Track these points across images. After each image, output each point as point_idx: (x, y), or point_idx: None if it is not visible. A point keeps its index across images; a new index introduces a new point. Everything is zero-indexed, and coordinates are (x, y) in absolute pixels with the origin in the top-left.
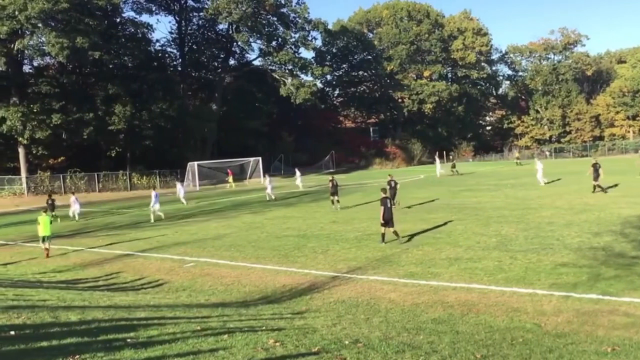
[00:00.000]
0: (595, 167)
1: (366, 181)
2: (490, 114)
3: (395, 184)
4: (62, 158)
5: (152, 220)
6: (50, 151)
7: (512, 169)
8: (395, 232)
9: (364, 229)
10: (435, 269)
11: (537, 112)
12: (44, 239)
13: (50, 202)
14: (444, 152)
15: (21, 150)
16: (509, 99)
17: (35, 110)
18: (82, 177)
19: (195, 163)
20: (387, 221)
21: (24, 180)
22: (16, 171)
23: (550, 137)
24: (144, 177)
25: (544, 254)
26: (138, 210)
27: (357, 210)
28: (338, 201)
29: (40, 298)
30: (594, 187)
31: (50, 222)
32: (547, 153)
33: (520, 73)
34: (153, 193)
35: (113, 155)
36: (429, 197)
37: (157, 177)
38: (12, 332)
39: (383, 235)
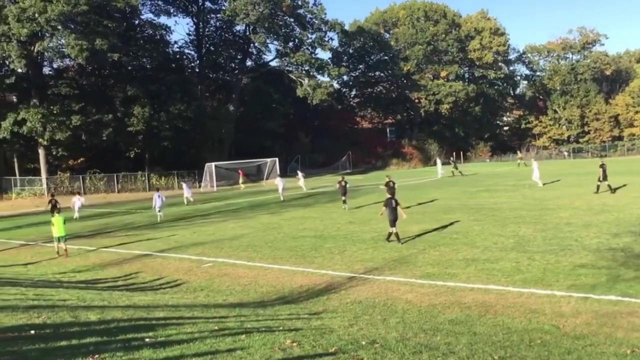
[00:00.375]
0: (603, 168)
1: (383, 182)
2: (508, 114)
3: (394, 184)
4: (81, 159)
5: (159, 220)
6: (70, 152)
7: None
8: (397, 234)
9: (380, 230)
10: (453, 270)
11: (555, 112)
12: (59, 240)
13: (53, 202)
14: (461, 153)
15: (41, 152)
16: (527, 99)
17: (55, 112)
18: (101, 178)
19: (213, 164)
20: (394, 220)
21: (44, 181)
22: (36, 172)
23: (569, 137)
24: (163, 178)
25: (562, 255)
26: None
27: (373, 210)
28: (345, 202)
29: (60, 298)
30: (597, 187)
31: (64, 222)
32: (566, 153)
33: (538, 73)
34: (156, 195)
35: (132, 156)
36: (445, 197)
37: (175, 177)
38: (33, 332)
39: (392, 235)
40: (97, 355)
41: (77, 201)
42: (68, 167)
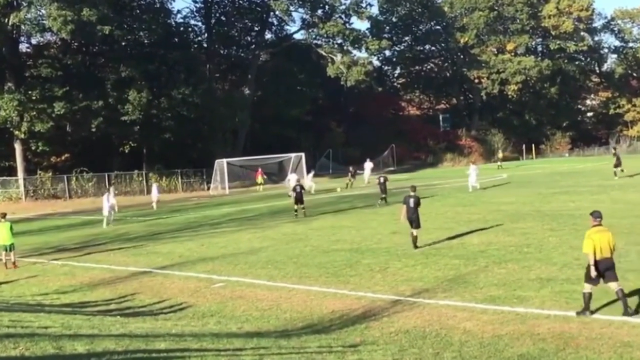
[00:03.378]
0: (616, 155)
1: (435, 182)
2: (592, 96)
3: (385, 180)
4: (66, 155)
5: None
6: (52, 147)
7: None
8: (415, 238)
9: (432, 242)
10: (523, 292)
11: None
12: (6, 249)
13: None
14: (532, 146)
15: (18, 147)
16: (616, 77)
17: (34, 98)
18: (89, 179)
19: (225, 160)
20: (411, 221)
21: (21, 182)
22: (12, 171)
23: None
24: (164, 178)
25: None
26: (157, 218)
27: (424, 218)
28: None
29: (41, 324)
30: (615, 173)
31: (11, 229)
32: None
33: (631, 44)
34: (154, 186)
35: (127, 151)
36: (514, 201)
37: (179, 177)
38: None
39: (414, 238)
40: None
41: (106, 201)
42: (50, 166)
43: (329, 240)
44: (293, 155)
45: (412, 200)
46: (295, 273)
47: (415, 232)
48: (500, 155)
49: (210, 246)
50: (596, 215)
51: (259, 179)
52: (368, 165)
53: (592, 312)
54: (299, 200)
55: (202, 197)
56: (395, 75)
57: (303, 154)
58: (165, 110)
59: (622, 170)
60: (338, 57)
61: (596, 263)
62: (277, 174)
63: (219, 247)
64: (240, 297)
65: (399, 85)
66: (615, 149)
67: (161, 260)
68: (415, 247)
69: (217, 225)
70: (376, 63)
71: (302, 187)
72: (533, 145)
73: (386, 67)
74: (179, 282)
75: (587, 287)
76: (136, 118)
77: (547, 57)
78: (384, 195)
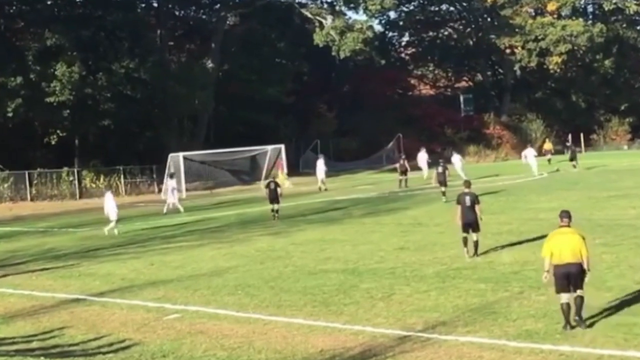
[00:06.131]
0: (571, 149)
1: (454, 182)
2: None
3: (445, 169)
4: None
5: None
6: None
7: None
8: (475, 243)
9: (450, 260)
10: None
11: None
12: None
13: None
14: (581, 135)
15: None
16: None
17: None
18: (4, 178)
19: (181, 154)
20: (468, 225)
21: None
22: None
23: None
24: (101, 177)
25: None
26: (94, 229)
27: (438, 228)
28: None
29: None
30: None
31: None
32: None
33: None
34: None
35: (53, 142)
36: (556, 207)
37: (122, 176)
38: None
39: (465, 240)
40: None
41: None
42: None
43: (316, 258)
44: (270, 147)
45: (468, 199)
46: (273, 301)
47: (475, 236)
48: (548, 145)
49: (162, 266)
50: (563, 215)
51: (281, 175)
52: (423, 156)
53: (572, 327)
54: (274, 199)
55: (152, 202)
56: (403, 44)
57: (283, 146)
58: (104, 89)
59: (573, 166)
60: (328, 21)
61: (555, 268)
62: (249, 173)
63: (173, 267)
64: (201, 332)
65: (407, 57)
66: (571, 144)
67: (98, 284)
68: (476, 254)
69: (171, 239)
70: (378, 28)
71: (276, 184)
72: (582, 134)
73: (391, 34)
74: (122, 313)
75: (563, 297)
76: (65, 99)
77: (600, 20)
78: (444, 189)
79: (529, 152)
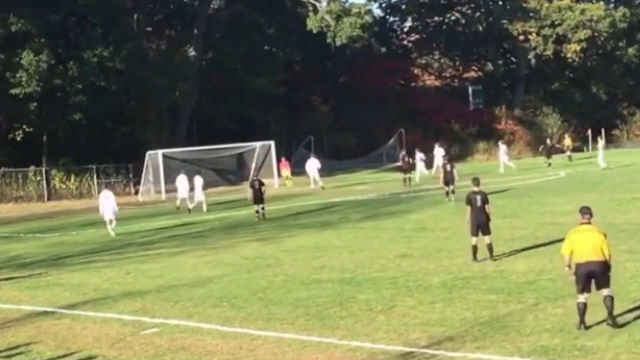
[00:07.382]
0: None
1: (463, 183)
2: None
3: (452, 167)
4: None
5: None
6: None
7: None
8: (489, 246)
9: (457, 269)
10: (588, 341)
11: None
12: None
13: None
14: (602, 131)
15: None
16: None
17: None
18: None
19: (160, 152)
20: (478, 227)
21: None
22: None
23: None
24: (72, 177)
25: None
26: (63, 234)
27: (445, 233)
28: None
29: None
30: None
31: None
32: None
33: None
34: (198, 178)
35: (19, 139)
36: (575, 211)
37: (95, 175)
38: None
39: (474, 248)
40: None
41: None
42: None
43: (310, 266)
44: (258, 144)
45: (478, 198)
46: (262, 314)
47: (487, 239)
48: (568, 141)
49: (140, 275)
50: (583, 211)
51: (284, 172)
52: (439, 151)
53: (587, 327)
54: (258, 198)
55: (128, 205)
56: (405, 30)
57: (272, 143)
58: (75, 80)
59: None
60: (323, 4)
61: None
62: (235, 172)
63: (151, 276)
64: (183, 348)
65: (410, 45)
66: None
67: (69, 295)
68: (492, 256)
69: (150, 246)
70: (377, 12)
71: (261, 183)
72: (603, 129)
73: (392, 19)
74: (95, 327)
75: (581, 297)
76: (32, 91)
77: (622, 3)
78: (452, 187)
79: (502, 149)
